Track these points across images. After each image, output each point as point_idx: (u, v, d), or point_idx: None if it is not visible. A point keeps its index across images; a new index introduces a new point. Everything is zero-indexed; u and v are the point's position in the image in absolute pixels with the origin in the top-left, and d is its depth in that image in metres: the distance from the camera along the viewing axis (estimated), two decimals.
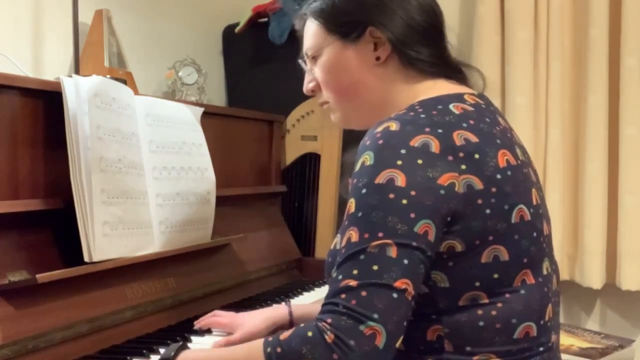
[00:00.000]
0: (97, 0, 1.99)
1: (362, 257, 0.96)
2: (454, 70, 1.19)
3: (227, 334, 1.42)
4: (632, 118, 2.17)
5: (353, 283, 0.95)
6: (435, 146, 1.01)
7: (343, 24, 1.16)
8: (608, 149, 2.22)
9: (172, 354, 1.10)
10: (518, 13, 2.25)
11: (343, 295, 0.95)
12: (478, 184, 1.01)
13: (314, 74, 1.22)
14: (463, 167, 1.01)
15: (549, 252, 1.13)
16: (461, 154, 1.01)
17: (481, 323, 1.03)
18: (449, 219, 1.00)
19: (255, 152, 2.20)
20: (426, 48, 1.15)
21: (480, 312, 1.03)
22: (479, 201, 1.01)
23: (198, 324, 1.47)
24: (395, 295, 0.94)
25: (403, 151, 0.99)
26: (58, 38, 1.92)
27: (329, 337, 0.93)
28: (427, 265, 0.99)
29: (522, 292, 1.05)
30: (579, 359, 1.85)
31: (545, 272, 1.10)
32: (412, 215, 0.97)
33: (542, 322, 1.08)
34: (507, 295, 1.04)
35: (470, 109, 1.09)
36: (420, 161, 0.99)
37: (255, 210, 2.07)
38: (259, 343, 1.01)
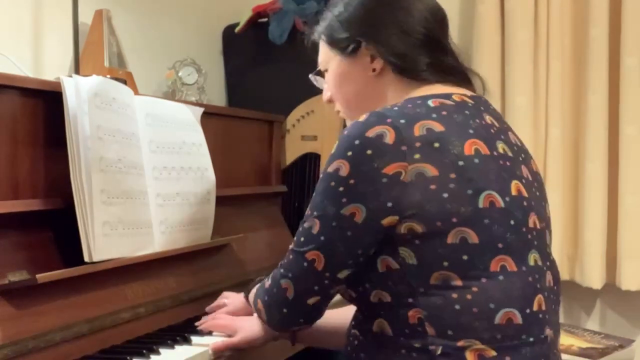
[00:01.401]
0: (97, 0, 1.99)
1: (300, 229, 1.17)
2: (455, 76, 1.23)
3: (227, 335, 1.42)
4: (632, 118, 2.16)
5: (291, 247, 1.19)
6: (389, 137, 1.08)
7: (341, 40, 1.26)
8: (608, 149, 2.22)
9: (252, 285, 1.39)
10: (518, 13, 2.25)
11: (287, 255, 1.20)
12: (431, 171, 1.06)
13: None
14: (416, 156, 1.07)
15: (538, 246, 1.14)
16: (417, 144, 1.08)
17: (457, 307, 1.06)
18: (389, 204, 1.07)
19: (255, 152, 2.20)
20: (422, 57, 1.21)
21: (455, 295, 1.06)
22: (432, 187, 1.06)
23: (200, 325, 1.47)
24: (305, 264, 1.15)
25: (357, 142, 1.09)
26: (58, 38, 1.92)
27: (267, 283, 1.24)
28: (353, 243, 1.11)
29: (501, 277, 1.08)
30: (579, 359, 1.85)
31: (532, 264, 1.11)
32: (344, 200, 1.10)
33: (528, 311, 1.09)
34: (484, 280, 1.07)
35: (450, 103, 1.15)
36: (369, 152, 1.08)
37: (255, 210, 2.07)
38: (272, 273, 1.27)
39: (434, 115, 1.11)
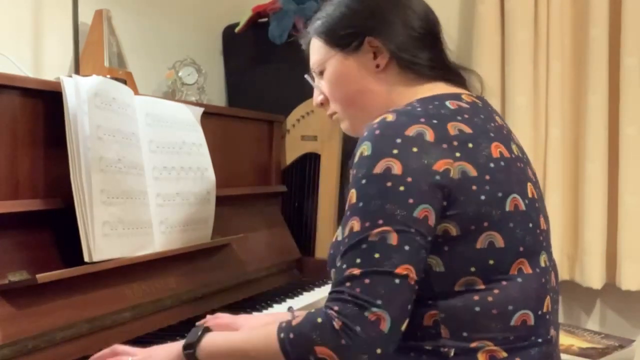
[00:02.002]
0: (97, 0, 1.99)
1: (364, 246, 1.00)
2: (453, 74, 1.23)
3: None
4: (632, 118, 2.16)
5: (357, 271, 1.00)
6: (429, 135, 1.05)
7: (343, 37, 1.22)
8: (608, 149, 2.22)
9: (197, 337, 1.13)
10: (518, 13, 2.25)
11: (348, 284, 1.00)
12: (472, 171, 1.05)
13: (321, 87, 1.28)
14: (457, 154, 1.05)
15: (546, 247, 1.15)
16: (455, 143, 1.06)
17: (477, 308, 1.05)
18: (444, 203, 1.03)
19: (255, 152, 2.20)
20: (424, 53, 1.20)
21: (476, 297, 1.05)
22: (473, 187, 1.04)
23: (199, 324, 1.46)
24: (397, 281, 0.99)
25: (398, 140, 1.04)
26: (58, 38, 1.92)
27: (337, 323, 0.98)
28: (428, 250, 1.03)
29: (519, 279, 1.07)
30: (579, 359, 1.85)
31: (543, 265, 1.12)
32: (410, 201, 1.01)
33: (540, 313, 1.09)
34: (504, 283, 1.06)
35: (466, 105, 1.14)
36: (415, 149, 1.03)
37: (255, 210, 2.07)
38: (274, 328, 1.05)
39: (459, 118, 1.10)
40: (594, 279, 2.21)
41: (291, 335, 1.02)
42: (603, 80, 2.19)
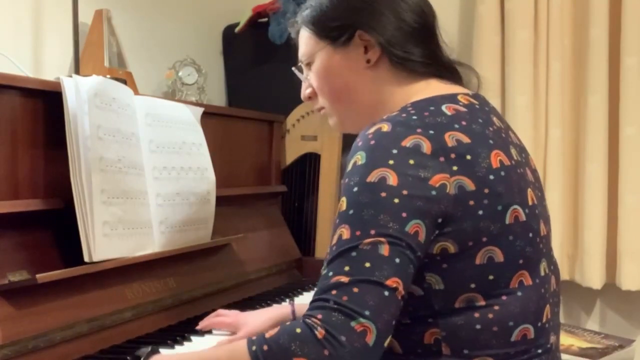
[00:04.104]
0: (97, 0, 1.99)
1: (353, 254, 0.96)
2: (447, 70, 1.19)
3: (231, 333, 1.42)
4: (632, 118, 2.16)
5: (344, 279, 0.94)
6: (426, 147, 1.01)
7: (332, 29, 1.17)
8: (608, 149, 2.22)
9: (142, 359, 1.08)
10: (518, 13, 2.25)
11: (334, 292, 0.94)
12: (469, 185, 1.01)
13: (309, 80, 1.24)
14: (454, 168, 1.01)
15: (546, 253, 1.12)
16: (453, 155, 1.02)
17: (478, 326, 1.03)
18: (439, 220, 1.00)
19: (255, 152, 2.20)
20: (417, 48, 1.15)
21: (477, 314, 1.03)
22: (471, 202, 1.01)
23: (202, 324, 1.46)
24: (386, 293, 0.94)
25: (394, 151, 1.00)
26: (58, 38, 1.92)
27: (319, 332, 0.92)
28: (416, 266, 0.99)
29: (519, 293, 1.05)
30: (579, 359, 1.85)
31: (542, 273, 1.10)
32: (404, 215, 0.97)
33: (539, 324, 1.08)
34: (504, 297, 1.04)
35: (463, 109, 1.09)
36: (411, 161, 1.00)
37: (255, 210, 2.07)
38: (243, 342, 0.99)
39: (457, 126, 1.05)
40: (594, 279, 2.21)
41: (265, 348, 0.95)
42: (603, 80, 2.19)
